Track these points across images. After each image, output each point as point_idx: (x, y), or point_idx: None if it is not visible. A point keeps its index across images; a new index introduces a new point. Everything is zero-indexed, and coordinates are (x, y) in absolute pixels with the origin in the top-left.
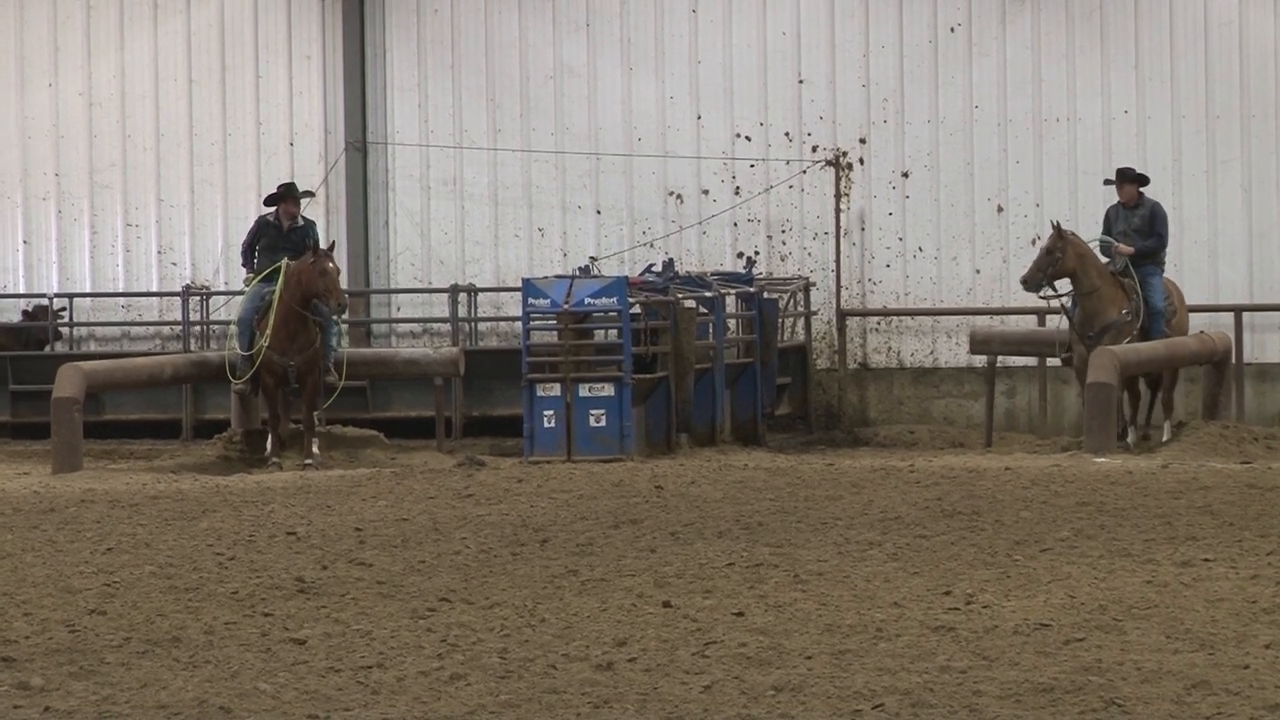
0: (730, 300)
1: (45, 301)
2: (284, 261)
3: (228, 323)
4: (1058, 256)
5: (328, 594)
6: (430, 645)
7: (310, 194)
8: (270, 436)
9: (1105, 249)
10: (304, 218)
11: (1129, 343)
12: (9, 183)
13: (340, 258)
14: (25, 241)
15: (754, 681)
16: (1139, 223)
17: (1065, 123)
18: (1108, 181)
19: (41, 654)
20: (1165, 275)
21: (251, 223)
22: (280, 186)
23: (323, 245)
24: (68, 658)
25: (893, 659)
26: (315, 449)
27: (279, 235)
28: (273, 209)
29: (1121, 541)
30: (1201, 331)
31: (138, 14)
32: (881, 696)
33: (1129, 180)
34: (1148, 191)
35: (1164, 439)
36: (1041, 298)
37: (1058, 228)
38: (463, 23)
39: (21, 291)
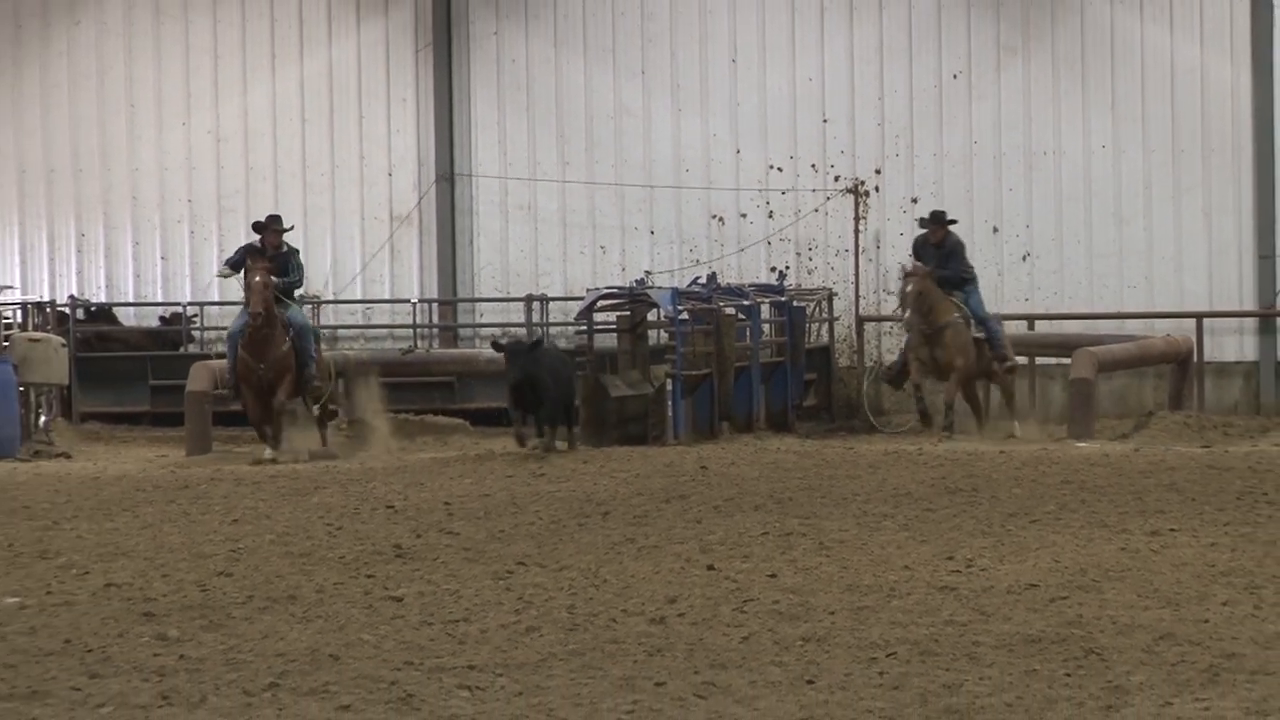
0: (765, 308)
1: (180, 309)
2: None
3: (335, 326)
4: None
5: (421, 558)
6: (509, 602)
7: (290, 229)
8: (263, 437)
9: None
10: (288, 244)
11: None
12: (149, 207)
13: (431, 273)
14: (163, 258)
15: (785, 633)
16: (943, 257)
17: (1051, 155)
18: (923, 222)
19: (177, 610)
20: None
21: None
22: (267, 218)
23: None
24: (199, 613)
25: (904, 614)
26: (286, 443)
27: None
28: (258, 237)
29: (1099, 514)
30: (1168, 334)
31: (258, 63)
32: (895, 646)
33: (940, 223)
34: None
35: (1015, 434)
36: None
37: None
38: (536, 70)
39: (160, 300)
